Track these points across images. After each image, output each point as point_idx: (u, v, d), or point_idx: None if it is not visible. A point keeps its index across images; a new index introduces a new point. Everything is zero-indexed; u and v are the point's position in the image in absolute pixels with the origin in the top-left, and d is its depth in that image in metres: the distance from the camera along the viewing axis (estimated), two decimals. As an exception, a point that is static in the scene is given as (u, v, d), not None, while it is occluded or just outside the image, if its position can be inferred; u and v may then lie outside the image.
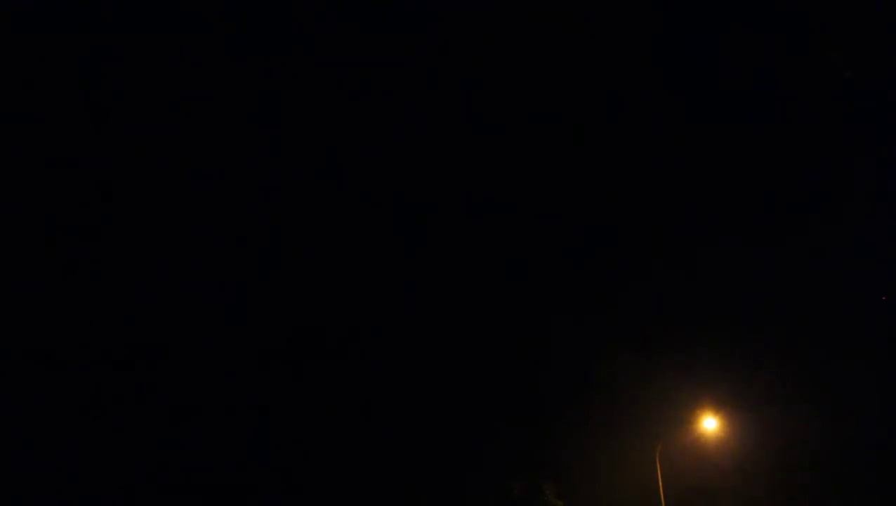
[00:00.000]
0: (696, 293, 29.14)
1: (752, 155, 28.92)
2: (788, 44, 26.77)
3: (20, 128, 23.63)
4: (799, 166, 29.12)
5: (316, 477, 26.18)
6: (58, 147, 24.37)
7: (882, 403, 27.49)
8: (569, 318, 28.99)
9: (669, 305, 29.04)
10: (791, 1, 26.56)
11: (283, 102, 26.24)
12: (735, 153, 28.95)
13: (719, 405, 26.23)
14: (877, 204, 28.32)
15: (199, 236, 26.04)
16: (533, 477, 26.44)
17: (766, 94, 28.03)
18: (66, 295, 24.73)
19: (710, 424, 26.10)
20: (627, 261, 30.07)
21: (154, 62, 24.29)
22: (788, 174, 29.21)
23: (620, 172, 29.12)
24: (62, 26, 23.12)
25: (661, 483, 24.86)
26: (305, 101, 26.48)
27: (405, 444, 26.77)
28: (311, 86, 26.25)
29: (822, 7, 26.07)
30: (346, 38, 25.56)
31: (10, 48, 22.59)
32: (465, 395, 27.34)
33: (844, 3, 25.94)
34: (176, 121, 25.30)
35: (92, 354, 24.90)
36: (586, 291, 29.61)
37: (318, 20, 25.28)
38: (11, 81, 22.98)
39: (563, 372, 28.53)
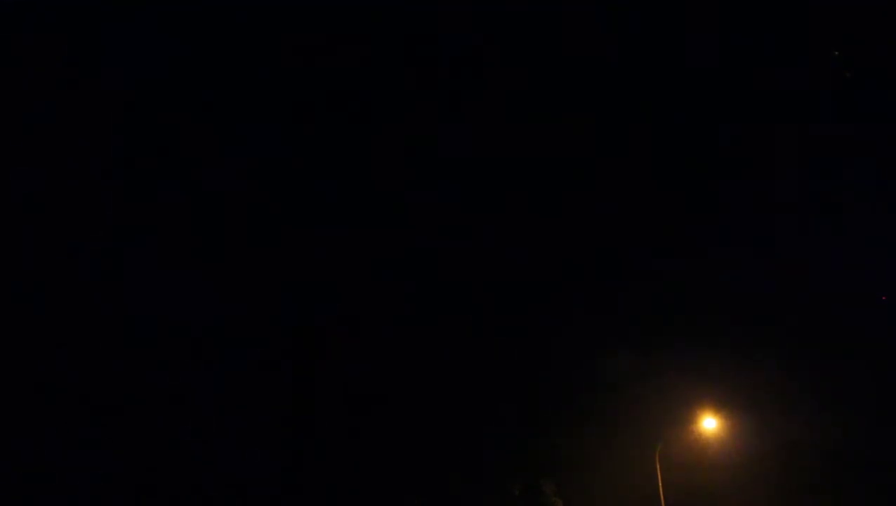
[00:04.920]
0: (697, 294, 29.15)
1: (753, 155, 28.94)
2: (789, 44, 26.79)
3: (20, 128, 23.67)
4: (799, 166, 29.13)
5: (317, 477, 26.19)
6: (57, 147, 24.42)
7: (882, 402, 27.48)
8: (569, 318, 29.02)
9: (669, 306, 29.04)
10: (791, 1, 26.58)
11: (281, 102, 26.29)
12: (735, 153, 28.98)
13: (719, 405, 26.22)
14: (877, 204, 28.31)
15: (199, 237, 26.09)
16: (533, 477, 26.44)
17: (765, 94, 28.05)
18: (66, 295, 24.78)
19: (710, 424, 26.10)
20: (628, 261, 30.08)
21: (153, 61, 24.36)
22: (788, 174, 29.21)
23: (620, 172, 29.14)
24: (61, 26, 23.18)
25: (661, 483, 24.84)
26: (304, 101, 26.52)
27: (406, 444, 26.78)
28: (311, 86, 26.30)
29: (822, 7, 26.09)
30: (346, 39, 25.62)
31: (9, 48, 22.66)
32: (466, 395, 27.36)
33: (844, 3, 25.96)
34: (175, 121, 25.35)
35: (91, 354, 24.95)
36: (587, 292, 29.63)
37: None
38: (11, 81, 23.04)
39: (563, 372, 28.55)
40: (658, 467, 25.05)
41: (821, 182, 29.37)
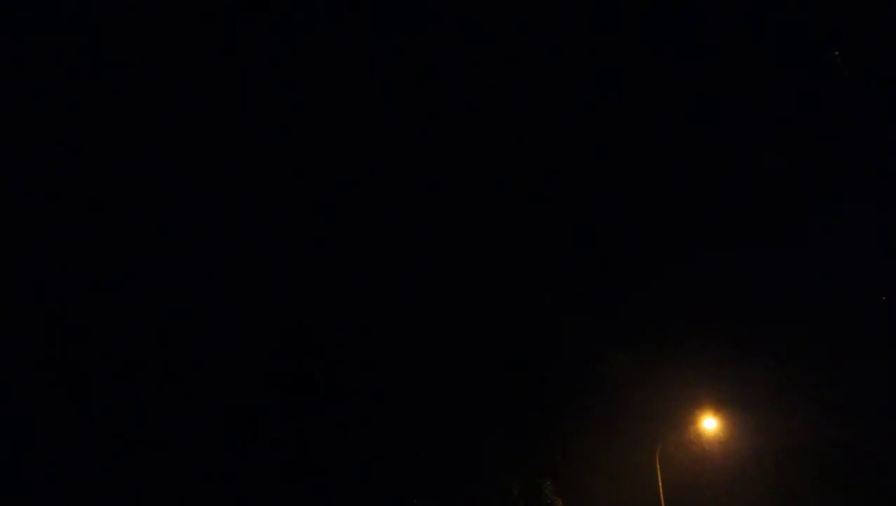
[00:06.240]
0: (697, 294, 29.14)
1: (752, 155, 28.93)
2: (788, 43, 26.80)
3: (20, 127, 23.71)
4: (799, 166, 29.13)
5: (316, 477, 26.19)
6: (58, 147, 24.46)
7: (882, 402, 27.48)
8: (569, 318, 29.01)
9: (669, 306, 29.03)
10: (791, 1, 26.60)
11: (280, 103, 26.31)
12: (735, 153, 28.98)
13: (719, 405, 26.24)
14: (877, 204, 28.33)
15: (199, 236, 26.12)
16: (532, 476, 26.45)
17: (765, 94, 28.06)
18: (67, 295, 24.81)
19: (710, 424, 26.14)
20: (628, 261, 30.08)
21: (153, 62, 24.39)
22: (788, 174, 29.21)
23: (620, 172, 29.15)
24: (61, 26, 23.22)
25: (660, 483, 24.86)
26: (302, 100, 26.55)
27: (406, 443, 26.78)
28: (309, 85, 26.32)
29: (822, 7, 26.11)
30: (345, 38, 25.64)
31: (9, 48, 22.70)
32: (466, 395, 27.36)
33: (844, 3, 25.98)
34: (176, 122, 25.39)
35: (91, 354, 24.97)
36: (587, 292, 29.62)
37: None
38: (11, 81, 23.08)
39: (563, 372, 28.54)
40: (658, 467, 25.07)
41: (820, 182, 29.40)
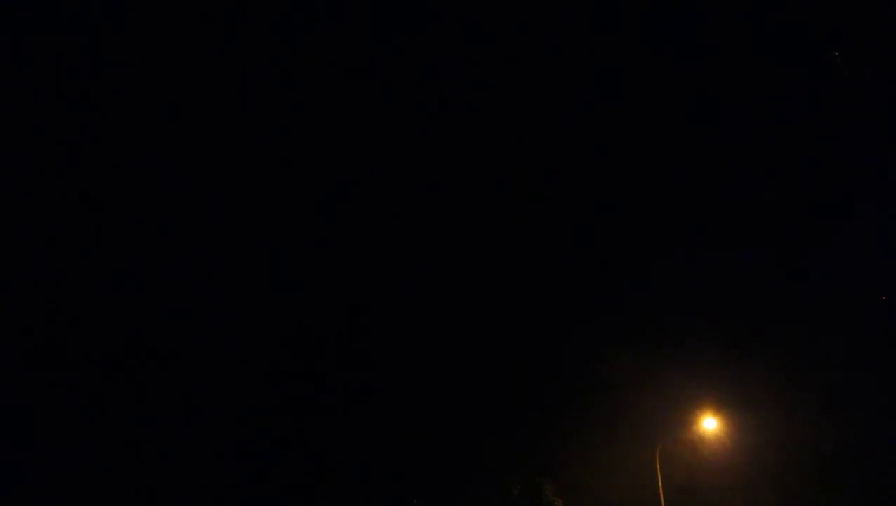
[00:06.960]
0: (696, 294, 29.14)
1: (752, 155, 28.95)
2: (788, 43, 26.82)
3: (21, 128, 23.72)
4: (799, 166, 29.13)
5: (316, 476, 26.20)
6: (59, 148, 24.46)
7: (882, 402, 27.48)
8: (569, 319, 29.02)
9: (669, 306, 29.03)
10: (791, 1, 26.61)
11: (280, 103, 26.32)
12: (735, 153, 28.99)
13: (719, 405, 26.25)
14: (877, 204, 28.34)
15: (198, 236, 26.13)
16: (532, 476, 26.45)
17: (765, 94, 28.07)
18: (69, 296, 24.82)
19: (710, 424, 26.15)
20: (627, 262, 30.08)
21: (153, 62, 24.40)
22: (789, 174, 29.22)
23: (620, 173, 29.16)
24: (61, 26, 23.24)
25: (660, 483, 24.86)
26: (302, 100, 26.56)
27: (406, 443, 26.79)
28: (308, 85, 26.33)
29: (822, 7, 26.13)
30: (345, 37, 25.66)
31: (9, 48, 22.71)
32: (466, 395, 27.36)
33: (844, 3, 26.00)
34: (177, 122, 25.41)
35: (94, 355, 24.98)
36: (587, 292, 29.63)
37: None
38: (11, 81, 23.09)
39: (563, 373, 28.55)
40: (658, 467, 25.07)
41: (820, 182, 29.40)
